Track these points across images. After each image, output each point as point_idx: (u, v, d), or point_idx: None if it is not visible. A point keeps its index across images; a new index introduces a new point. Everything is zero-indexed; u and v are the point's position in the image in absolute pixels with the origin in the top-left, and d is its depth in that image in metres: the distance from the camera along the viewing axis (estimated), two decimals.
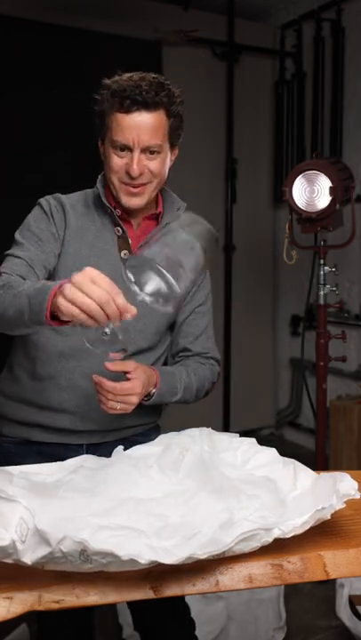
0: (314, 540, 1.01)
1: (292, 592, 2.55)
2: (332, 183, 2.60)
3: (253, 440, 1.30)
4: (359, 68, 3.61)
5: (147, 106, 1.35)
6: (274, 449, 1.24)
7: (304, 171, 2.66)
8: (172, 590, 0.92)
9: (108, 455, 1.43)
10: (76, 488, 1.10)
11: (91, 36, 3.45)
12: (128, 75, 1.40)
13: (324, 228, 2.69)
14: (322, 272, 2.82)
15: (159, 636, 1.61)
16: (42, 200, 1.49)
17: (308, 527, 0.97)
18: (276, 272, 4.39)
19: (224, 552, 0.92)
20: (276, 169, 4.21)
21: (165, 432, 1.43)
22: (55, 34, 3.37)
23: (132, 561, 0.85)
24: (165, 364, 1.60)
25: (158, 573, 0.92)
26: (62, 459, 1.45)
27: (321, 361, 2.79)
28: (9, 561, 0.90)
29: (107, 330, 1.11)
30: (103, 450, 1.48)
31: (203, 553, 0.88)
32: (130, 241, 1.47)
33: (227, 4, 3.93)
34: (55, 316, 1.12)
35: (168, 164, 1.47)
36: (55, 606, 0.89)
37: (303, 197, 2.66)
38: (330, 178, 2.60)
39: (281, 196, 2.78)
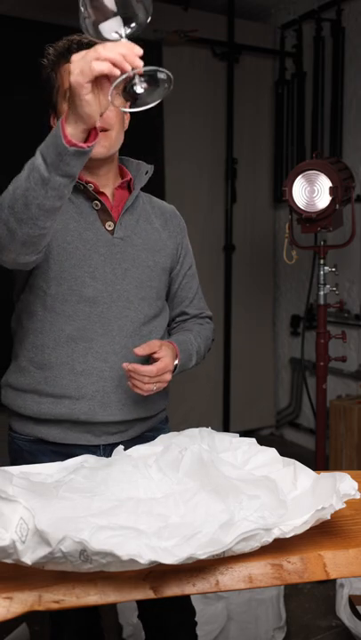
0: (314, 540, 1.01)
1: (293, 592, 2.55)
2: (333, 183, 2.60)
3: (253, 440, 1.30)
4: (359, 68, 3.61)
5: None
6: (274, 449, 1.24)
7: (304, 171, 2.66)
8: (172, 590, 0.92)
9: None
10: (76, 488, 1.10)
11: None
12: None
13: (324, 228, 2.69)
14: (322, 272, 2.81)
15: (161, 628, 1.62)
16: None
17: (308, 527, 0.97)
18: (276, 272, 4.40)
19: (224, 552, 0.92)
20: (276, 169, 4.21)
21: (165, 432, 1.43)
22: (55, 34, 3.37)
23: (132, 561, 0.85)
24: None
25: (158, 573, 0.92)
26: None
27: (321, 361, 2.79)
28: (9, 561, 0.90)
29: (135, 80, 1.03)
30: None
31: (203, 553, 0.88)
32: (110, 212, 1.47)
33: (227, 3, 3.93)
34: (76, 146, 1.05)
35: (123, 122, 1.46)
36: (55, 606, 0.89)
37: (303, 197, 2.66)
38: (330, 178, 2.60)
39: (281, 195, 2.78)
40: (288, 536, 0.96)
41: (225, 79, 4.01)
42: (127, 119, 1.49)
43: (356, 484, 1.03)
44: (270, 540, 0.95)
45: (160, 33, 3.67)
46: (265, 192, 4.27)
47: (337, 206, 2.61)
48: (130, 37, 1.03)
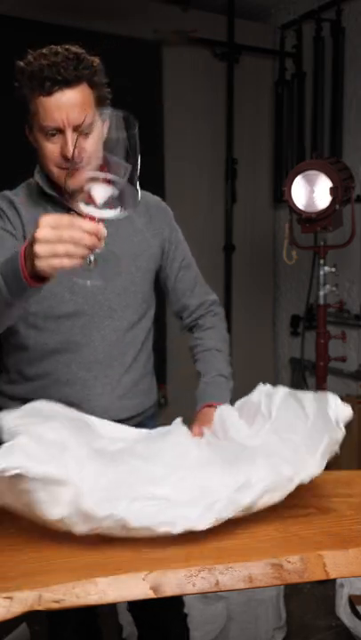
0: (314, 540, 1.01)
1: (293, 592, 2.55)
2: (333, 183, 2.60)
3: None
4: (359, 68, 3.61)
5: (68, 83, 1.31)
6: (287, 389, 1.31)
7: (304, 171, 2.66)
8: (172, 590, 0.92)
9: None
10: (132, 454, 1.16)
11: (91, 36, 3.44)
12: (40, 51, 1.35)
13: (324, 228, 2.69)
14: (322, 272, 2.82)
15: (152, 623, 1.63)
16: None
17: (322, 469, 1.09)
18: (276, 272, 4.39)
19: (250, 507, 1.02)
20: (276, 169, 4.20)
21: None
22: (55, 34, 3.36)
23: (168, 529, 0.95)
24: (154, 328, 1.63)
25: (159, 573, 0.92)
26: None
27: (321, 361, 2.79)
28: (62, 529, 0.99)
29: (90, 258, 1.05)
30: None
31: (226, 511, 0.98)
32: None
33: (227, 3, 3.92)
34: (36, 276, 1.05)
35: (102, 140, 1.40)
36: (55, 606, 0.89)
37: (303, 197, 2.67)
38: (330, 178, 2.60)
39: (281, 196, 2.78)
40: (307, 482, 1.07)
41: (225, 79, 4.01)
42: (106, 126, 1.45)
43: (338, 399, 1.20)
44: (292, 487, 1.05)
45: (160, 33, 3.67)
46: (265, 192, 4.27)
47: (337, 206, 2.61)
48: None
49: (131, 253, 1.49)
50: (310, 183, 2.64)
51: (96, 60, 1.37)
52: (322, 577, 0.98)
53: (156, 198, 1.62)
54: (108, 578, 0.91)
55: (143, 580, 0.91)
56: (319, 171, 2.62)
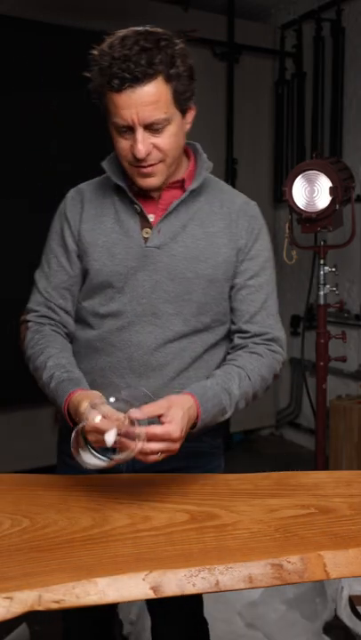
0: (314, 540, 1.01)
1: None
2: (332, 183, 2.59)
3: None
4: (359, 68, 3.61)
5: (138, 80, 1.19)
6: None
7: (304, 171, 2.66)
8: (172, 590, 0.92)
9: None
10: None
11: (91, 36, 3.43)
12: (116, 37, 1.23)
13: (325, 228, 2.69)
14: (322, 272, 2.81)
15: (165, 613, 1.52)
16: (67, 195, 1.44)
17: None
18: (276, 272, 4.39)
19: None
20: (276, 169, 4.21)
21: None
22: (55, 34, 3.37)
23: None
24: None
25: (159, 573, 0.92)
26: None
27: (321, 361, 2.79)
28: None
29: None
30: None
31: None
32: (151, 217, 1.35)
33: (227, 3, 3.93)
34: None
35: (182, 131, 1.31)
36: (55, 606, 0.89)
37: (303, 197, 2.66)
38: (330, 178, 2.60)
39: (281, 195, 2.78)
40: None
41: (225, 79, 4.01)
42: (191, 116, 1.32)
43: None
44: None
45: None
46: (265, 192, 4.27)
47: (337, 206, 2.61)
48: None
49: (192, 256, 1.34)
50: (310, 183, 2.64)
51: (179, 47, 1.24)
52: (322, 577, 0.97)
53: (245, 201, 1.46)
54: (108, 578, 0.90)
55: (143, 580, 0.91)
56: (319, 171, 2.62)
